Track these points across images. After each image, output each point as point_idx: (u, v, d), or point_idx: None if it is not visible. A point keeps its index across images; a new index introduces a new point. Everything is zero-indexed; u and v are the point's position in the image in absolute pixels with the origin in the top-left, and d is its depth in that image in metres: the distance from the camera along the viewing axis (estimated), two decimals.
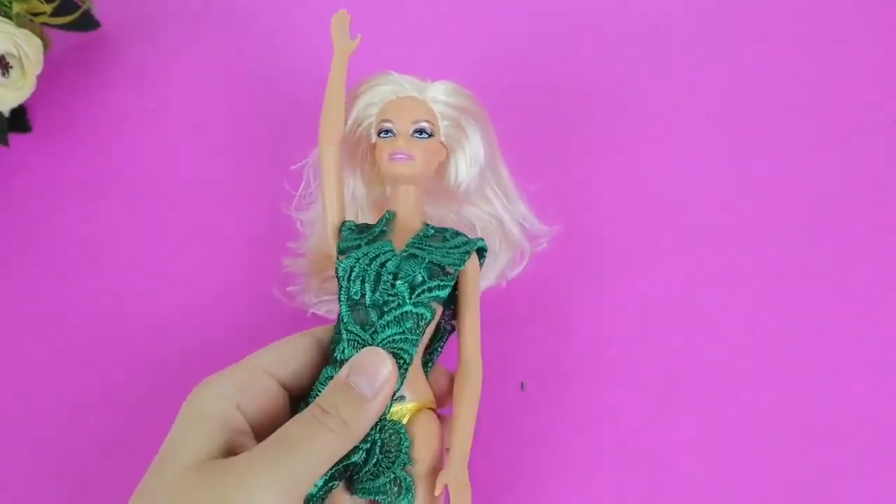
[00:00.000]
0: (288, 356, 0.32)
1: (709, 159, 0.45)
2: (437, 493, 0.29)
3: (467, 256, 0.33)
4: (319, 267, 0.38)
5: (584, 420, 0.38)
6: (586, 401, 0.38)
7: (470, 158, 0.36)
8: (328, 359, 0.32)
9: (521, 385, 0.39)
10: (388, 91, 0.35)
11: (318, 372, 0.32)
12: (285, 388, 0.32)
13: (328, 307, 0.39)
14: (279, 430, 0.29)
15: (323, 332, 0.34)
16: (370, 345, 0.31)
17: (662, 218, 0.43)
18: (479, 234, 0.38)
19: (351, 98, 0.36)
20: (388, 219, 0.34)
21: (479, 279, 0.34)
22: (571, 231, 0.43)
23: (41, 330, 0.43)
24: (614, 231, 0.43)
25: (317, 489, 0.29)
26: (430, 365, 0.34)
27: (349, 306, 0.32)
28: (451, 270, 0.32)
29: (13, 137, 0.50)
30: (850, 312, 0.40)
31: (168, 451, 0.29)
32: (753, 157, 0.45)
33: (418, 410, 0.32)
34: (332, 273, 0.38)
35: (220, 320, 0.42)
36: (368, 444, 0.30)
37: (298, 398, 0.32)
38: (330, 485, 0.29)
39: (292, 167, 0.39)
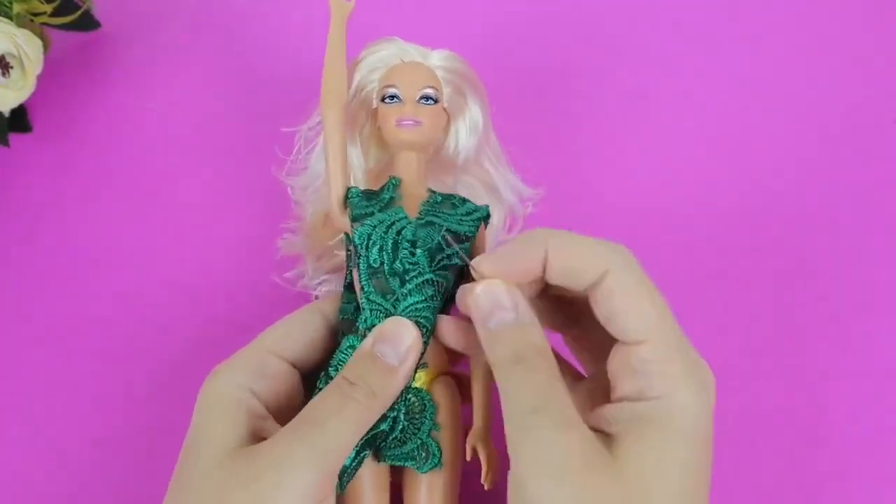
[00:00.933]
0: (294, 334, 0.32)
1: (708, 159, 0.45)
2: (468, 457, 0.30)
3: (479, 223, 0.33)
4: (315, 240, 0.38)
5: None
6: None
7: (470, 126, 0.36)
8: (347, 328, 0.32)
9: None
10: (391, 56, 0.35)
11: (326, 346, 0.33)
12: (295, 366, 0.32)
13: (328, 287, 0.39)
14: (305, 408, 0.28)
15: (327, 305, 0.33)
16: (393, 313, 0.31)
17: (663, 218, 0.43)
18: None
19: (352, 64, 0.35)
20: (395, 185, 0.34)
21: (486, 245, 0.34)
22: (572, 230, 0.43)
23: (41, 330, 0.43)
24: (616, 231, 0.43)
25: (349, 461, 0.29)
26: None
27: (369, 274, 0.32)
28: (467, 237, 0.32)
29: (13, 137, 0.50)
30: (849, 313, 0.40)
31: (193, 446, 0.28)
32: (753, 156, 0.45)
33: (437, 376, 0.32)
34: (327, 248, 0.37)
35: (222, 320, 0.42)
36: (395, 412, 0.30)
37: (309, 375, 0.32)
38: (361, 455, 0.29)
39: (284, 129, 0.39)
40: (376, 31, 0.37)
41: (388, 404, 0.30)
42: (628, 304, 0.26)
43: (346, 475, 0.29)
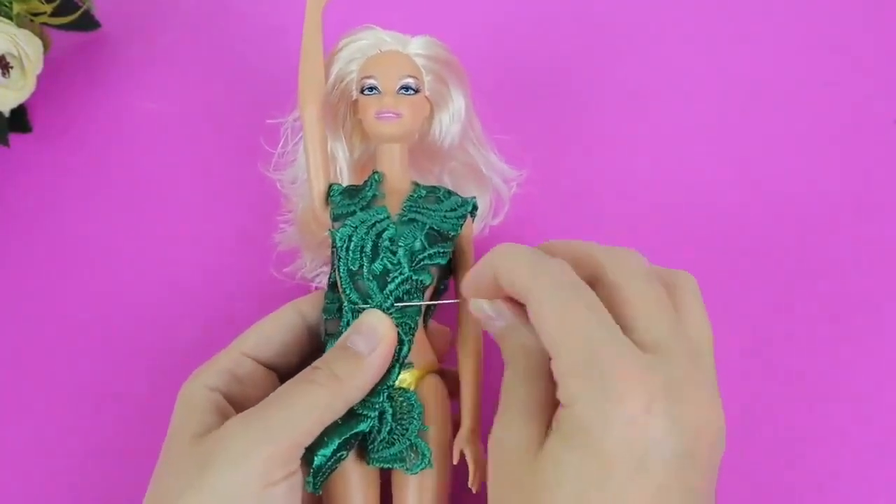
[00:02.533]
0: (270, 336, 0.33)
1: (708, 159, 0.45)
2: (455, 461, 0.30)
3: (463, 220, 0.33)
4: (307, 234, 0.38)
5: None
6: None
7: (453, 113, 0.35)
8: (331, 328, 0.32)
9: None
10: (369, 46, 0.34)
11: (304, 347, 0.33)
12: (272, 367, 0.32)
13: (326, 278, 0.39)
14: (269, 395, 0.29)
15: (306, 305, 0.33)
16: None
17: (663, 219, 0.43)
18: (451, 185, 0.38)
19: (330, 55, 0.34)
20: (378, 180, 0.33)
21: (472, 239, 0.34)
22: (572, 231, 0.43)
23: (41, 329, 0.43)
24: (615, 231, 0.43)
25: (324, 459, 0.29)
26: (426, 324, 0.34)
27: (349, 276, 0.31)
28: (450, 236, 0.32)
29: (13, 137, 0.50)
30: (849, 314, 0.40)
31: (166, 444, 0.30)
32: (752, 156, 0.45)
33: (424, 375, 0.32)
34: (324, 238, 0.37)
35: (223, 318, 0.42)
36: (376, 413, 0.30)
37: (289, 375, 0.32)
38: (338, 455, 0.29)
39: (269, 121, 0.38)
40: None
41: (357, 392, 0.29)
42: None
43: (320, 475, 0.29)
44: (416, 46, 0.34)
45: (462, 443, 0.30)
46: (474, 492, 0.30)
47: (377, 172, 0.33)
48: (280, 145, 0.38)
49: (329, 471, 0.29)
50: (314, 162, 0.33)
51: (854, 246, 0.41)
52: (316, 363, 0.30)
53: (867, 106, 0.46)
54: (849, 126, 0.45)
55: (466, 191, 0.39)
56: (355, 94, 0.34)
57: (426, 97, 0.34)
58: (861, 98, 0.46)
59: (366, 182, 0.33)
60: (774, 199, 0.43)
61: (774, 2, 0.51)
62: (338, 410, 0.29)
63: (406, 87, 0.33)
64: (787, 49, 0.49)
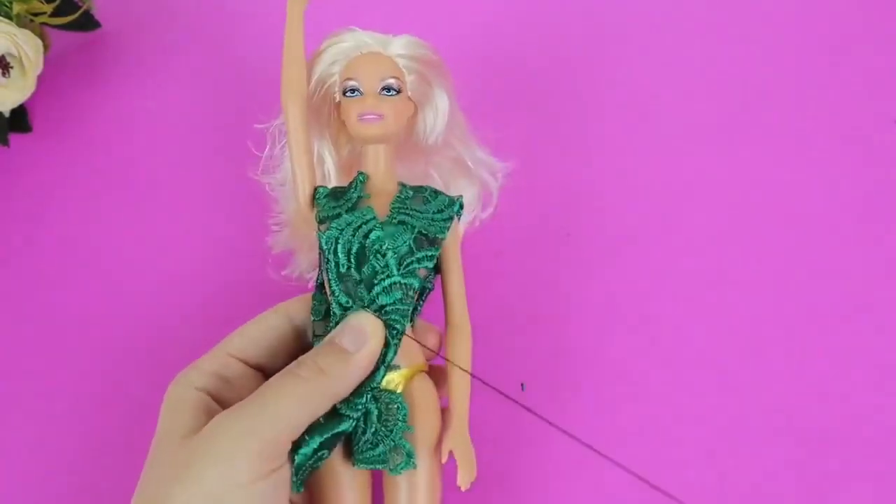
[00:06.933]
0: (256, 338, 0.33)
1: (708, 159, 0.45)
2: (444, 461, 0.29)
3: (450, 223, 0.33)
4: (300, 234, 0.38)
5: (585, 421, 0.38)
6: (586, 401, 0.38)
7: (438, 111, 0.35)
8: (319, 330, 0.32)
9: (521, 386, 0.39)
10: (350, 47, 0.34)
11: (291, 348, 0.33)
12: (259, 368, 0.32)
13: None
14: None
15: (293, 306, 0.33)
16: None
17: (663, 218, 0.43)
18: (439, 181, 0.38)
19: (312, 57, 0.34)
20: (362, 181, 0.33)
21: (459, 240, 0.34)
22: (571, 231, 0.43)
23: (41, 329, 0.43)
24: (615, 232, 0.43)
25: (305, 458, 0.28)
26: (413, 323, 0.33)
27: (338, 279, 0.31)
28: (438, 240, 0.32)
29: (13, 137, 0.50)
30: (850, 313, 0.40)
31: (157, 442, 0.30)
32: (753, 156, 0.45)
33: (412, 376, 0.31)
34: (314, 239, 0.37)
35: (222, 318, 0.42)
36: (359, 414, 0.30)
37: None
38: (319, 453, 0.29)
39: (256, 125, 0.38)
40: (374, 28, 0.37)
41: (343, 388, 0.29)
42: None
43: (300, 473, 0.28)
44: (398, 47, 0.34)
45: (450, 442, 0.30)
46: (463, 490, 0.30)
47: (362, 173, 0.33)
48: (267, 149, 0.38)
49: (310, 469, 0.29)
50: (299, 164, 0.33)
51: (854, 245, 0.41)
52: (301, 358, 0.30)
53: (867, 106, 0.46)
54: (849, 126, 0.45)
55: (454, 185, 0.39)
56: (338, 96, 0.34)
57: (409, 97, 0.34)
58: (861, 98, 0.46)
59: (351, 183, 0.33)
60: (774, 199, 0.43)
61: (774, 2, 0.51)
62: (323, 405, 0.29)
63: (388, 88, 0.33)
64: (788, 49, 0.49)
